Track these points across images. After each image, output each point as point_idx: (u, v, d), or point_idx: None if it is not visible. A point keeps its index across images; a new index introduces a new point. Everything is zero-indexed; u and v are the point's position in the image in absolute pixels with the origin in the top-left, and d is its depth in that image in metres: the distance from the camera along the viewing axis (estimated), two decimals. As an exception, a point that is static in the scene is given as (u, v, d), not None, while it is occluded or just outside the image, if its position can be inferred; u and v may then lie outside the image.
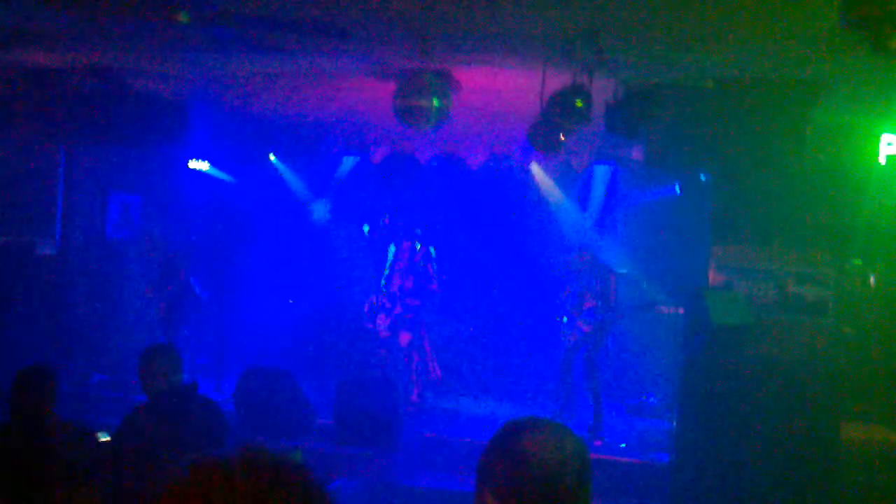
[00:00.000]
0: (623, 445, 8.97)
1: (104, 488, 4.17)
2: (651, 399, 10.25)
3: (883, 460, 7.97)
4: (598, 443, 8.84)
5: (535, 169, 11.33)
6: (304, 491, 1.20)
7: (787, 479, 7.26)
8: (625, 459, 8.52)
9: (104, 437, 4.70)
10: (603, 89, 6.57)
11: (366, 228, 10.62)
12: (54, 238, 9.98)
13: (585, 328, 9.25)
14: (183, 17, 5.63)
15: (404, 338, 10.19)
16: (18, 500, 3.92)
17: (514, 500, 1.78)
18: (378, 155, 11.55)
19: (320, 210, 12.39)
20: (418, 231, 10.27)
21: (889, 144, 8.11)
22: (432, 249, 10.20)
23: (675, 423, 8.10)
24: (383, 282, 10.29)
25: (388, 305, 10.19)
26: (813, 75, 6.85)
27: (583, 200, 11.57)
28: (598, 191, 11.50)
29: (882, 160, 8.13)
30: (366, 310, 10.40)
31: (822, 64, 6.33)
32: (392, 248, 10.32)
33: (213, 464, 1.19)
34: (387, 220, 10.36)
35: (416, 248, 10.15)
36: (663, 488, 7.90)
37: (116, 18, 6.03)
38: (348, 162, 12.10)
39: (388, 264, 10.31)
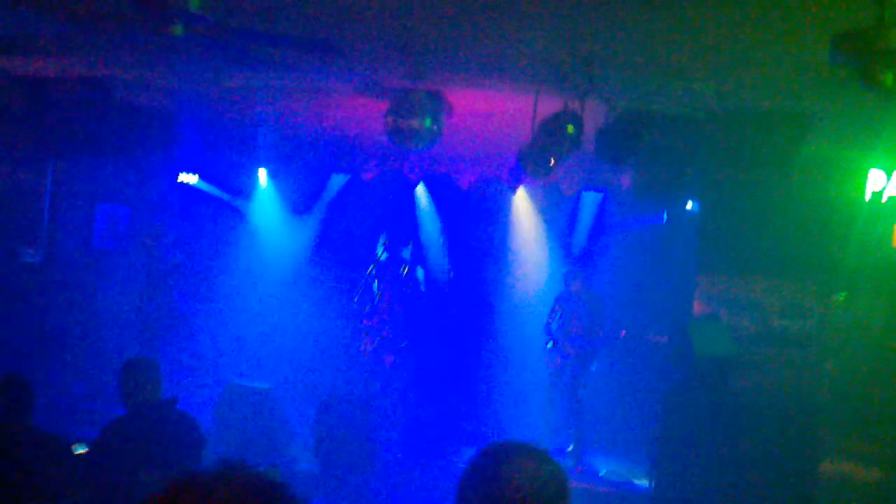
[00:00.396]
0: (603, 473, 8.95)
1: (79, 501, 4.13)
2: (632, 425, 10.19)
3: (861, 497, 7.96)
4: (578, 469, 8.81)
5: (519, 195, 11.35)
6: None
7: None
8: (604, 489, 8.49)
9: (80, 450, 4.65)
10: (594, 116, 6.60)
11: (420, 274, 10.48)
12: (39, 246, 9.92)
13: (570, 352, 9.25)
14: (176, 30, 5.63)
15: (388, 360, 10.17)
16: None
17: (491, 525, 1.77)
18: (368, 173, 11.54)
19: (308, 227, 12.36)
20: (406, 253, 10.26)
21: (875, 181, 8.16)
22: (420, 271, 10.20)
23: (655, 452, 8.08)
24: (367, 308, 10.26)
25: (375, 327, 10.17)
26: (802, 108, 6.90)
27: (571, 226, 11.59)
28: (587, 217, 11.52)
29: (868, 195, 8.17)
30: (352, 331, 10.38)
31: (811, 97, 6.38)
32: (373, 268, 10.31)
33: (191, 480, 1.18)
34: (383, 252, 10.30)
35: (403, 271, 10.14)
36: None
37: (107, 30, 6.03)
38: (338, 180, 12.09)
39: (373, 286, 10.28)
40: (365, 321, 10.28)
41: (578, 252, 11.35)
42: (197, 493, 1.16)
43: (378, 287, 10.23)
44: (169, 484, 1.18)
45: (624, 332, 10.32)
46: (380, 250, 10.39)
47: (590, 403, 9.68)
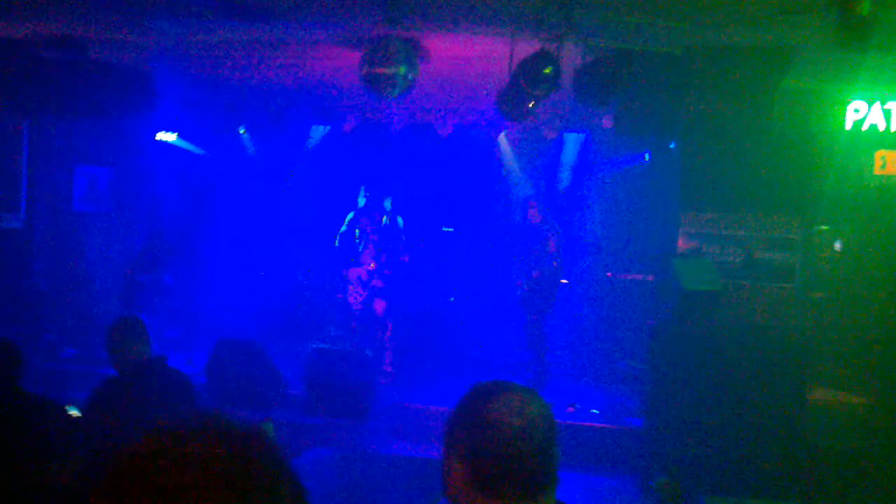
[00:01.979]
0: (595, 411, 9.04)
1: (73, 463, 4.15)
2: (623, 363, 10.32)
3: (848, 424, 8.09)
4: (570, 409, 8.90)
5: (502, 139, 11.32)
6: (259, 455, 1.17)
7: (756, 442, 7.35)
8: (597, 425, 8.59)
9: (73, 412, 4.66)
10: (572, 57, 6.55)
11: (400, 222, 10.39)
12: (19, 211, 9.85)
13: (520, 284, 9.24)
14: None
15: (379, 306, 10.19)
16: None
17: (480, 465, 1.79)
18: (348, 124, 11.47)
19: (291, 180, 12.32)
20: (388, 203, 10.24)
21: (856, 111, 8.17)
22: (400, 219, 10.19)
23: (646, 389, 8.17)
24: (352, 259, 10.26)
25: (364, 278, 10.18)
26: (781, 42, 6.87)
27: (553, 169, 11.58)
28: (569, 159, 11.50)
29: (848, 126, 8.18)
30: (344, 280, 10.39)
31: (790, 31, 6.34)
32: (350, 216, 10.28)
33: (165, 429, 1.17)
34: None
35: (383, 221, 10.12)
36: (636, 453, 7.98)
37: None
38: (318, 131, 12.02)
39: (340, 232, 10.26)
40: (350, 270, 10.29)
41: (562, 193, 11.36)
42: (170, 442, 1.15)
43: (360, 236, 10.22)
44: (143, 435, 1.17)
45: (610, 273, 10.39)
46: (361, 201, 10.36)
47: (580, 342, 9.75)
